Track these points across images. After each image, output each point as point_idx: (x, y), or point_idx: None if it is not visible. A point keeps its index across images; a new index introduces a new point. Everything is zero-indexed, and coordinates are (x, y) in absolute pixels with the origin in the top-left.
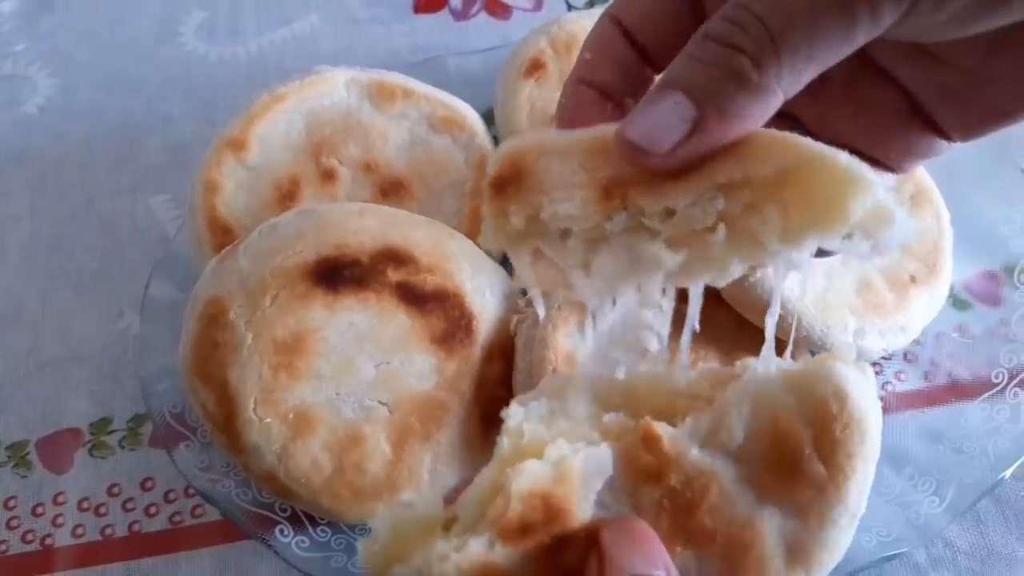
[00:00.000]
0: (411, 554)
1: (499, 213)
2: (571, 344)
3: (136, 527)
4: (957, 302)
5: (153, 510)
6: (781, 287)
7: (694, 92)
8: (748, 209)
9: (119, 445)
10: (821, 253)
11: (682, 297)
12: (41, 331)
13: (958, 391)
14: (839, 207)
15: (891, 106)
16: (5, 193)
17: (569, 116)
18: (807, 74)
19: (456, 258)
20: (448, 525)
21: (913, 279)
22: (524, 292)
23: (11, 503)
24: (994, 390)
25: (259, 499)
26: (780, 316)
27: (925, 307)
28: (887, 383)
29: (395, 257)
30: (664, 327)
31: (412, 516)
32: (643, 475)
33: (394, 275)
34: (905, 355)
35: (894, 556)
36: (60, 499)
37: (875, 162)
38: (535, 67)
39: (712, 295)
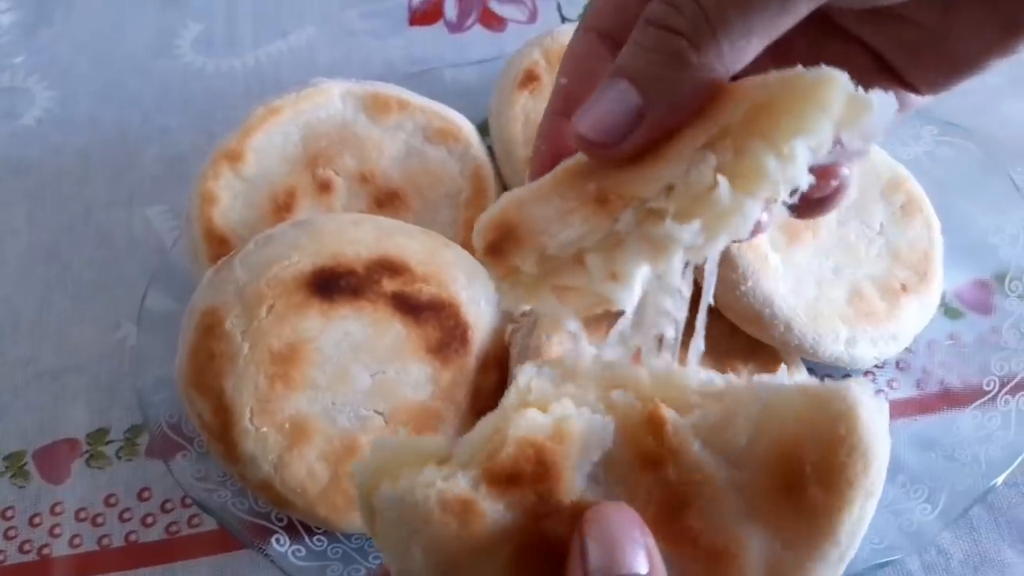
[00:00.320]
0: (400, 476)
1: (506, 272)
2: (564, 352)
3: (133, 537)
4: (948, 311)
5: (150, 520)
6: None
7: (637, 79)
8: (737, 153)
9: (116, 455)
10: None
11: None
12: (39, 341)
13: (950, 399)
14: (816, 104)
15: (858, 65)
16: (3, 204)
17: (544, 159)
18: (750, 49)
19: (451, 268)
20: (444, 461)
21: (904, 288)
22: None
23: (8, 513)
24: (985, 398)
25: (255, 509)
26: (773, 324)
27: (916, 315)
28: (880, 391)
29: (390, 267)
30: (681, 312)
31: (412, 443)
32: (640, 459)
33: (389, 285)
34: (897, 363)
35: (887, 563)
36: (57, 509)
37: None
38: (529, 79)
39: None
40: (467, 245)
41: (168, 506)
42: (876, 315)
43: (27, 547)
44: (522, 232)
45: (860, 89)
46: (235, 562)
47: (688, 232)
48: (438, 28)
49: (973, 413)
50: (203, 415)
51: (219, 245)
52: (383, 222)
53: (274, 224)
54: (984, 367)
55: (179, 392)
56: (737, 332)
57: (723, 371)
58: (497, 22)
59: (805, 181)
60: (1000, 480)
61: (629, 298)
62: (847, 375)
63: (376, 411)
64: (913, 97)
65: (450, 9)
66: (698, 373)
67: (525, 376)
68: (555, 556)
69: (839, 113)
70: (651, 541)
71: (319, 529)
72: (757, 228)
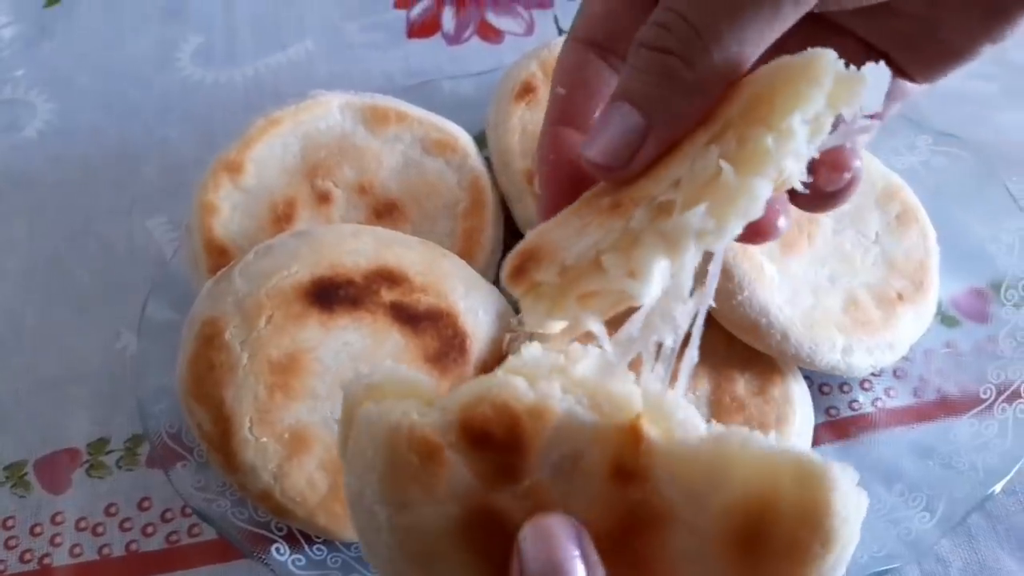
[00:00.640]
0: (385, 400)
1: (528, 287)
2: (574, 345)
3: (133, 546)
4: (945, 319)
5: (150, 529)
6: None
7: (637, 100)
8: (740, 142)
9: (116, 465)
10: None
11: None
12: (40, 351)
13: (947, 407)
14: (806, 80)
15: (852, 56)
16: (5, 215)
17: (552, 169)
18: (744, 58)
19: (449, 278)
20: (431, 403)
21: (900, 297)
22: (517, 311)
23: (9, 523)
24: (982, 406)
25: (255, 518)
26: (769, 334)
27: (912, 324)
28: (877, 399)
29: (389, 277)
30: (684, 320)
31: (410, 377)
32: (610, 467)
33: (388, 295)
34: (895, 372)
35: (886, 572)
36: (58, 519)
37: None
38: (526, 90)
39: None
40: (465, 255)
41: (168, 515)
42: (872, 324)
43: (28, 556)
44: (543, 253)
45: (852, 68)
46: (235, 571)
47: (696, 216)
48: (436, 41)
49: (970, 421)
50: (203, 425)
51: (219, 255)
52: (382, 233)
53: (273, 235)
54: (981, 375)
55: (179, 402)
56: (734, 342)
57: (720, 381)
58: (494, 35)
59: (807, 152)
60: (998, 488)
61: (649, 292)
62: (844, 383)
63: None
64: (910, 86)
65: (448, 22)
66: (687, 409)
67: (529, 351)
68: (497, 531)
69: (831, 87)
70: (595, 557)
71: (319, 538)
72: (775, 231)
